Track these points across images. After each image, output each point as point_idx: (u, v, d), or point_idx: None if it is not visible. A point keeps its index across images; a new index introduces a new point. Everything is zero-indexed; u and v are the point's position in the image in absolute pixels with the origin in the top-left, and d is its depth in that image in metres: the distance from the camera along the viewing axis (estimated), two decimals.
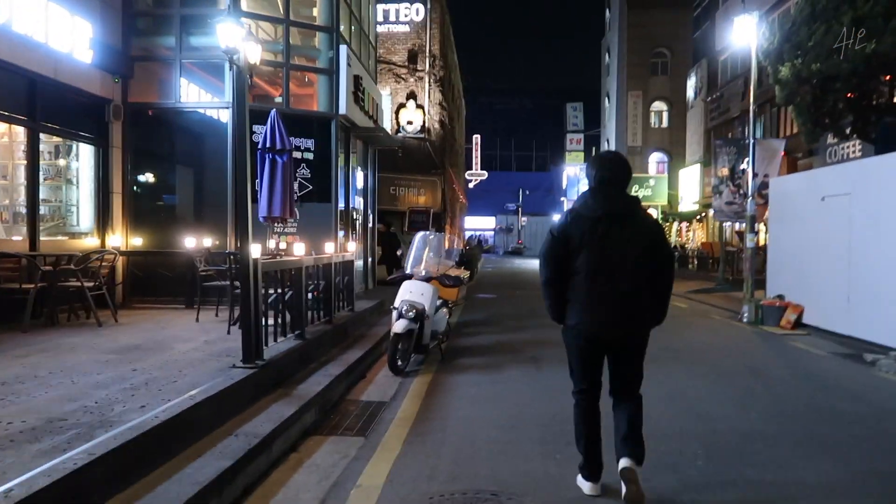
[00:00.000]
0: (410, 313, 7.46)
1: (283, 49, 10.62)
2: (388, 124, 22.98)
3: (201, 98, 11.10)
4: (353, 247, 9.69)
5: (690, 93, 35.32)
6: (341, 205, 11.72)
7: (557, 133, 63.60)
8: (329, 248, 8.42)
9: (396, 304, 7.68)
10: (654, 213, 37.19)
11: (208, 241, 10.10)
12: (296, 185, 10.74)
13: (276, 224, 8.52)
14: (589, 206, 3.70)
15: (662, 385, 6.84)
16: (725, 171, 16.33)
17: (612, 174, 3.72)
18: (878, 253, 9.05)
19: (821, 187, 10.67)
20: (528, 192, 67.51)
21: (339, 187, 11.40)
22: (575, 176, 47.59)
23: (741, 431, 5.24)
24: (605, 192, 3.69)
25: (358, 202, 13.39)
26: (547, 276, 3.82)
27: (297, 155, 10.73)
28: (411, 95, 23.02)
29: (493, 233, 71.49)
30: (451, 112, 27.69)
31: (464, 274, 10.19)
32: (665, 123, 44.12)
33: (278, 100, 11.04)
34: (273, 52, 11.12)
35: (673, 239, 35.47)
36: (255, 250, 5.68)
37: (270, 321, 7.05)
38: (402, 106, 23.02)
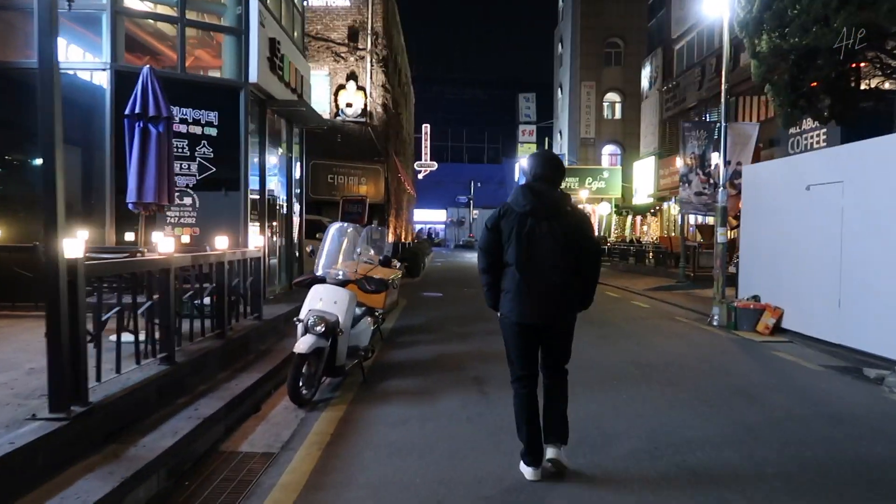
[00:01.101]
0: (318, 328, 5.78)
1: (177, 1, 8.75)
2: (325, 107, 21.13)
3: (81, 58, 9.13)
4: (261, 241, 7.93)
5: (645, 83, 34.38)
6: (255, 191, 9.92)
7: (510, 124, 62.39)
8: (222, 242, 6.65)
9: (302, 315, 5.99)
10: (607, 206, 36.26)
11: (86, 234, 8.21)
12: (194, 166, 8.92)
13: (150, 212, 6.68)
14: (519, 201, 3.90)
15: (641, 420, 5.33)
16: (690, 160, 14.95)
17: (543, 172, 3.94)
18: (879, 250, 7.78)
19: (804, 175, 9.39)
20: (479, 185, 66.13)
21: (252, 170, 9.58)
22: None
23: None
24: (536, 189, 3.90)
25: (279, 189, 11.57)
26: (483, 266, 4.05)
27: (196, 130, 8.90)
28: (352, 76, 21.18)
29: (444, 226, 69.92)
30: (396, 96, 25.91)
31: (394, 275, 8.49)
32: (618, 115, 43.35)
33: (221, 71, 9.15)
34: (170, 6, 9.24)
35: (627, 233, 34.53)
36: (72, 246, 3.92)
37: (132, 338, 5.33)
38: (341, 87, 21.16)
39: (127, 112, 6.37)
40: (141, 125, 6.34)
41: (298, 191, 12.82)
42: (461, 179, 66.25)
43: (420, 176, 48.08)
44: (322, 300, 6.07)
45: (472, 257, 41.77)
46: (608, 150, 43.39)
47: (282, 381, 6.50)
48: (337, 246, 6.44)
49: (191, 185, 8.86)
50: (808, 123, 18.20)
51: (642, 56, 36.50)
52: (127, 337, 5.57)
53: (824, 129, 17.50)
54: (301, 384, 5.66)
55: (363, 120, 21.02)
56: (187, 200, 8.85)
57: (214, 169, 9.03)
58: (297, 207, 12.52)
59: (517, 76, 73.47)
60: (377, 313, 7.35)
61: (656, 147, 32.17)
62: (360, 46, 21.27)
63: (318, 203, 19.87)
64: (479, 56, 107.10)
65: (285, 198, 11.94)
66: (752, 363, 7.95)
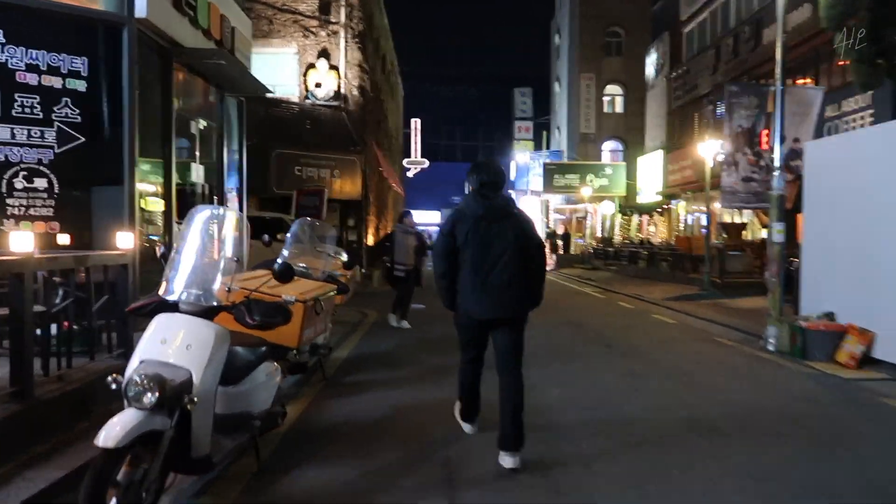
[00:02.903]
0: (149, 396, 3.12)
1: None
2: (293, 89, 18.51)
3: None
4: (129, 241, 5.25)
5: (650, 70, 31.82)
6: (146, 177, 7.27)
7: (505, 121, 59.62)
8: (20, 240, 3.98)
9: (129, 371, 3.32)
10: (610, 205, 33.70)
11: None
12: (51, 133, 6.26)
13: None
14: (471, 206, 4.21)
15: None
16: (736, 136, 11.99)
17: (490, 178, 4.26)
18: None
19: None
20: None
21: (131, 145, 6.89)
22: (525, 164, 43.85)
23: None
24: (485, 194, 4.21)
25: (201, 175, 8.90)
26: (441, 270, 4.29)
27: (54, 82, 6.24)
28: (323, 54, 18.52)
29: (437, 228, 67.11)
30: (377, 80, 23.24)
31: (319, 292, 5.47)
32: (620, 108, 40.75)
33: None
34: None
35: (632, 234, 31.95)
36: None
37: None
38: (311, 67, 18.50)
39: None
40: None
41: (237, 177, 10.16)
42: (455, 179, 63.47)
43: (410, 174, 45.43)
44: (164, 342, 3.41)
45: None
46: (609, 146, 40.84)
47: None
48: (202, 246, 3.75)
49: (46, 161, 6.20)
50: (850, 104, 15.69)
51: (645, 45, 33.93)
52: None
53: (871, 110, 14.95)
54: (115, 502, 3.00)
55: (336, 104, 18.34)
56: (40, 183, 6.19)
57: (83, 139, 6.37)
58: (233, 202, 9.86)
59: (512, 71, 70.79)
60: (293, 355, 4.69)
61: (663, 140, 29.62)
62: (333, 20, 18.61)
63: (285, 199, 17.16)
64: (472, 51, 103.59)
65: (205, 188, 9.26)
66: (862, 421, 5.32)
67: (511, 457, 3.99)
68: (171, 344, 3.40)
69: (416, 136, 42.69)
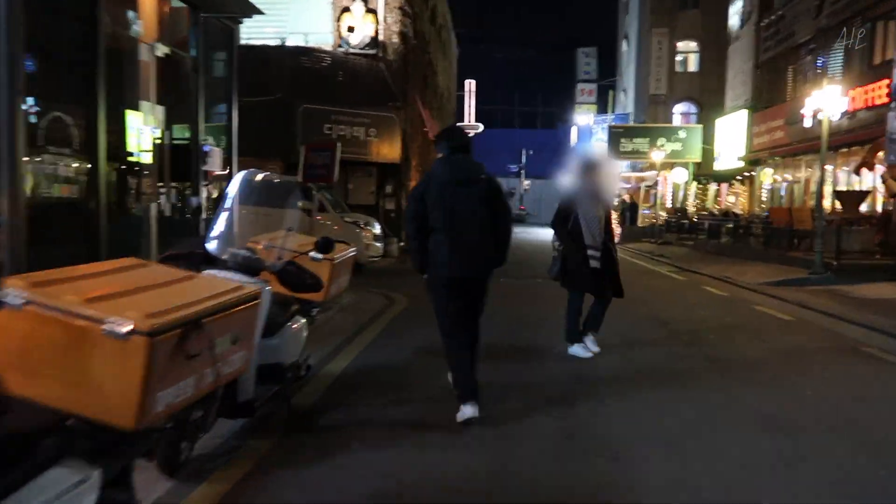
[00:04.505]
0: None
1: None
2: (326, 37, 16.27)
3: None
4: None
5: (734, 20, 28.18)
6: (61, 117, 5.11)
7: (567, 86, 56.09)
8: None
9: None
10: (683, 172, 30.42)
11: None
12: None
13: None
14: (440, 171, 4.36)
15: None
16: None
17: (459, 144, 4.42)
18: None
19: None
20: (532, 152, 60.21)
21: (12, 67, 4.73)
22: (587, 126, 40.58)
23: None
24: (453, 160, 4.35)
25: (157, 120, 6.69)
26: (412, 233, 4.45)
27: None
28: None
29: None
30: (422, 29, 20.72)
31: (216, 302, 2.82)
32: (694, 67, 36.95)
33: None
34: None
35: (709, 204, 28.71)
36: None
37: None
38: (345, 10, 16.17)
39: None
40: None
41: (225, 131, 7.99)
42: (511, 147, 60.45)
43: None
44: None
45: (522, 233, 36.27)
46: (681, 108, 37.20)
47: None
48: None
49: None
50: None
51: None
52: None
53: None
54: None
55: (373, 52, 15.99)
56: None
57: None
58: (215, 156, 7.68)
59: (575, 34, 66.46)
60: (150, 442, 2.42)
61: (748, 99, 26.13)
62: None
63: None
64: (532, 10, 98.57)
65: (192, 141, 7.11)
66: None
67: (471, 407, 4.11)
68: None
69: (470, 98, 39.87)
